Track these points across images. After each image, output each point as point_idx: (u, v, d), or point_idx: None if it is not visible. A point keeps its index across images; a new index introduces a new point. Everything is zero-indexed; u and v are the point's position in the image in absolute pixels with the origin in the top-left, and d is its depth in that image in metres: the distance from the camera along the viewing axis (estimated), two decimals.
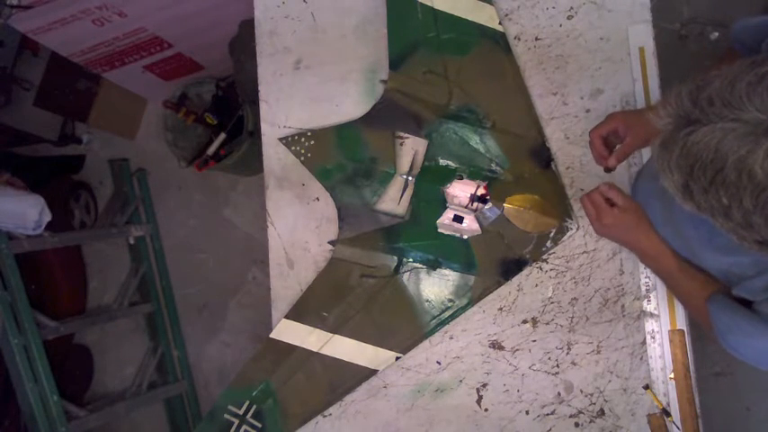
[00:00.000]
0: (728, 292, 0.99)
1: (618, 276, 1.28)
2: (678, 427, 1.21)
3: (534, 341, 1.30)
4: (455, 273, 1.33)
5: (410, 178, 1.36)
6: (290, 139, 1.43)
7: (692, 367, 1.22)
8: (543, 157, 1.31)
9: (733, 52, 1.03)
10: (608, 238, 1.21)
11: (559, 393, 1.28)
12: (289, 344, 1.36)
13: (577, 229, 1.29)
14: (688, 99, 0.69)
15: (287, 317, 1.37)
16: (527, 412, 1.29)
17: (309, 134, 1.43)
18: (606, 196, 1.12)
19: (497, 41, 1.36)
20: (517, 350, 1.30)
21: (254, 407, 1.36)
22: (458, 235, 1.32)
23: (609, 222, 1.11)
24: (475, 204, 1.32)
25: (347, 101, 1.44)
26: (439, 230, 1.33)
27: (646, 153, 1.27)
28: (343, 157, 1.40)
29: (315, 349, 1.35)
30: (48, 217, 2.18)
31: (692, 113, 0.68)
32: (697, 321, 1.10)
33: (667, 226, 1.08)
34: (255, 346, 1.67)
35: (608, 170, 1.17)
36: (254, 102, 1.58)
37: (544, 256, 1.30)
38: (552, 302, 1.30)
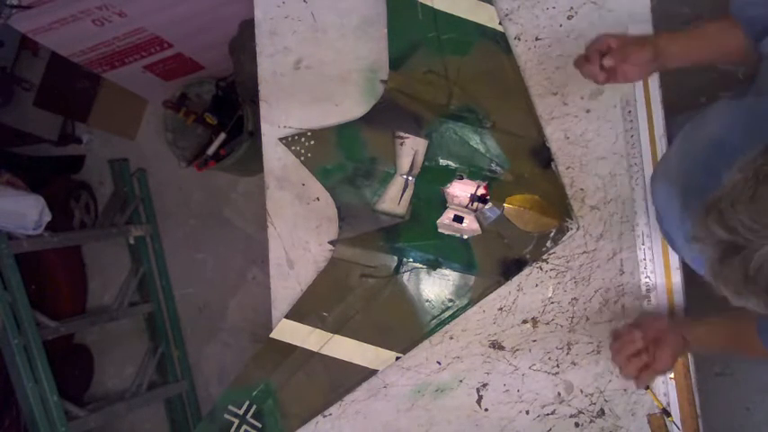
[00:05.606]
0: None
1: (618, 276, 1.27)
2: (678, 427, 1.21)
3: (534, 341, 1.30)
4: (455, 273, 1.33)
5: (410, 178, 1.36)
6: (290, 139, 1.43)
7: (692, 367, 1.22)
8: (543, 157, 1.31)
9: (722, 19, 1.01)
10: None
11: (559, 393, 1.28)
12: (289, 344, 1.36)
13: (577, 229, 1.29)
14: (720, 228, 0.65)
15: (287, 317, 1.37)
16: (527, 412, 1.29)
17: (309, 134, 1.42)
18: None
19: (497, 41, 1.36)
20: (517, 350, 1.30)
21: (254, 407, 1.36)
22: (458, 235, 1.32)
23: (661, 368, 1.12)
24: (475, 204, 1.32)
25: (347, 101, 1.44)
26: (439, 230, 1.33)
27: (646, 158, 1.27)
28: (343, 157, 1.40)
29: (315, 349, 1.35)
30: (48, 217, 2.18)
31: (735, 240, 0.64)
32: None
33: (686, 224, 1.07)
34: (255, 346, 1.67)
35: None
36: (254, 102, 1.58)
37: (544, 256, 1.30)
38: (552, 302, 1.30)
